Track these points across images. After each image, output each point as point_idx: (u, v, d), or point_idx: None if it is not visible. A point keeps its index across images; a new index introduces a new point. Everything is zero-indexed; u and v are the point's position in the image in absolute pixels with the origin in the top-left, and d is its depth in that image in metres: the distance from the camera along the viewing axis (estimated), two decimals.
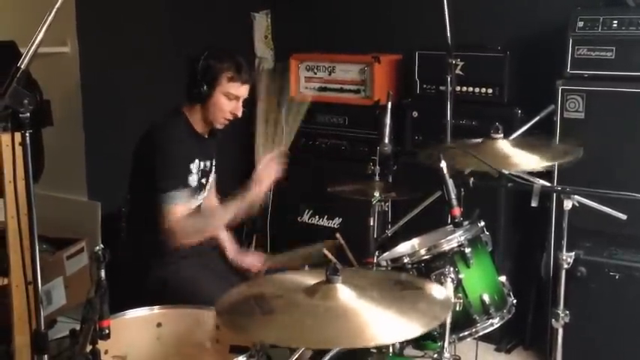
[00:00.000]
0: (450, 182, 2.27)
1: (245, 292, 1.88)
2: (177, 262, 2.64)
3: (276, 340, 1.73)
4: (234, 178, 4.38)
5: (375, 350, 2.15)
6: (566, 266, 2.45)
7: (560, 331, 2.49)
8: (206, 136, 2.81)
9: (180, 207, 2.58)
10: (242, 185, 2.65)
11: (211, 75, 2.65)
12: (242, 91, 2.70)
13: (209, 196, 2.93)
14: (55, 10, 1.76)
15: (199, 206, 2.87)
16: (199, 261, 2.72)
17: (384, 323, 1.67)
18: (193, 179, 2.71)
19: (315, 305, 1.72)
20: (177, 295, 2.42)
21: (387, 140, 2.92)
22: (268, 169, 2.66)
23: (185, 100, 2.73)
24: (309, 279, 1.83)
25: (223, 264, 2.87)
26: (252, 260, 2.94)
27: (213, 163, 2.88)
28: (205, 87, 2.65)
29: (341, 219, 4.02)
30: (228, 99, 2.67)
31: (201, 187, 2.79)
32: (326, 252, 2.84)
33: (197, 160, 2.73)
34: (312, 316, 1.69)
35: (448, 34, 2.96)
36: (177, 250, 2.60)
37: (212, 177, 2.88)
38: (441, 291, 1.93)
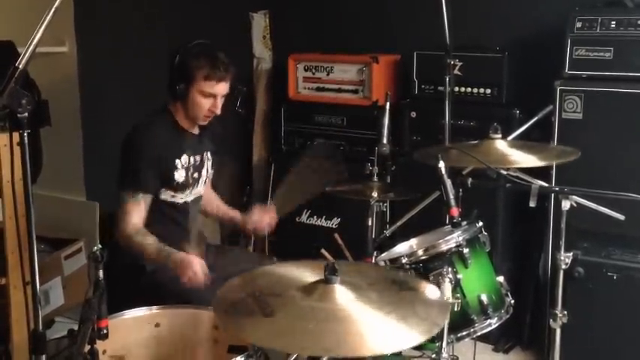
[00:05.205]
0: (449, 182, 2.28)
1: (242, 288, 1.88)
2: None
3: (274, 346, 1.73)
4: (232, 177, 4.39)
5: None
6: (564, 266, 2.45)
7: (558, 332, 2.49)
8: (195, 132, 2.79)
9: (130, 205, 2.57)
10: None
11: (187, 73, 2.62)
12: (218, 89, 2.65)
13: (206, 192, 2.93)
14: (53, 9, 1.76)
15: (200, 197, 2.87)
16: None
17: (383, 332, 1.66)
18: (180, 175, 2.70)
19: (313, 308, 1.72)
20: (173, 295, 2.40)
21: (385, 141, 2.93)
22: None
23: (169, 97, 2.72)
24: (307, 275, 1.84)
25: (222, 260, 2.85)
26: (261, 219, 2.83)
27: (208, 157, 2.86)
28: (182, 85, 2.63)
29: (339, 219, 4.01)
30: (205, 97, 2.65)
31: (193, 181, 2.79)
32: (324, 252, 2.85)
33: (185, 156, 2.72)
34: (311, 320, 1.68)
35: (447, 35, 2.97)
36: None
37: (206, 171, 2.87)
38: (437, 292, 1.93)
